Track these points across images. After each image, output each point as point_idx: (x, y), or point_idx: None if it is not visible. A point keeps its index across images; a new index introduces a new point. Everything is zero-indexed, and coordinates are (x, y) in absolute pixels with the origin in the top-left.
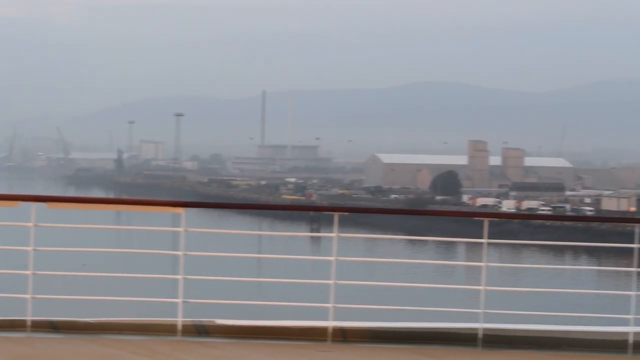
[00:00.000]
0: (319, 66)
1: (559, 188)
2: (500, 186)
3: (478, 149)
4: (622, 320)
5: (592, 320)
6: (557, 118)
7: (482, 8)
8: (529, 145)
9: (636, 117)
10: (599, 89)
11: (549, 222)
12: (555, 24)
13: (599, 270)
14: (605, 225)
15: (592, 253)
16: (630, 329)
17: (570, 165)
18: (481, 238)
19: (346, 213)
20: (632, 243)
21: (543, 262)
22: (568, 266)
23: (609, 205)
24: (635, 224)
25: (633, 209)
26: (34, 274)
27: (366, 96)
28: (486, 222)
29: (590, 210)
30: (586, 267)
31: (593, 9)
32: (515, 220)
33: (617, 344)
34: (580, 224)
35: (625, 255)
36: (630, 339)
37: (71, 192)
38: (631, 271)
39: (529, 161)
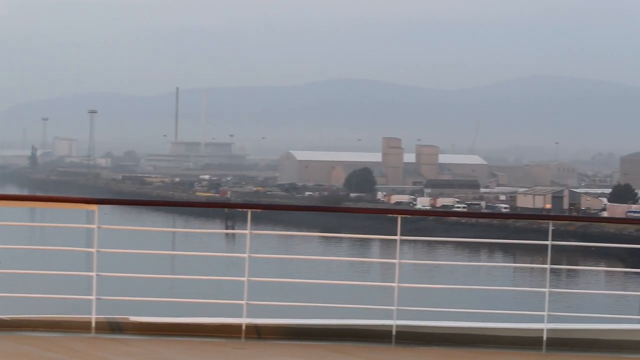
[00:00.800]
0: (233, 63)
1: (474, 185)
2: (414, 183)
3: (392, 146)
4: (537, 317)
5: (507, 317)
6: (471, 115)
7: (397, 5)
8: (443, 143)
9: (549, 114)
10: (512, 87)
11: (464, 220)
12: (469, 21)
13: (515, 267)
14: (521, 223)
15: (507, 250)
16: (544, 325)
17: (485, 163)
18: (395, 235)
19: (259, 210)
20: (547, 240)
21: (458, 260)
22: (482, 263)
23: (525, 202)
24: (549, 221)
25: (548, 206)
26: None
27: (280, 93)
28: (399, 219)
29: (505, 208)
30: (499, 264)
31: (506, 7)
32: (430, 218)
33: (531, 341)
34: (495, 222)
35: (541, 252)
36: (545, 336)
37: None
38: (545, 268)
39: (443, 158)
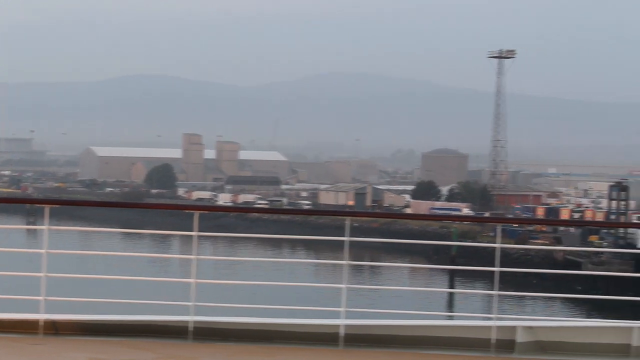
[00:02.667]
0: (34, 58)
1: (275, 182)
2: (215, 179)
3: (192, 142)
4: (335, 313)
5: (307, 313)
6: (271, 111)
7: (198, 1)
8: (244, 139)
9: (349, 111)
10: (312, 84)
11: (266, 216)
12: (268, 18)
13: (316, 264)
14: (324, 219)
15: (310, 247)
16: (341, 321)
17: (285, 159)
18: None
19: (57, 206)
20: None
21: (261, 256)
22: (281, 259)
23: (327, 199)
24: (346, 217)
25: (351, 202)
26: None
27: (80, 89)
28: (197, 214)
29: (307, 204)
30: (298, 260)
31: (305, 4)
32: (232, 214)
33: (328, 337)
34: (298, 218)
35: (343, 249)
36: (342, 332)
37: None
38: (342, 264)
39: (243, 154)
